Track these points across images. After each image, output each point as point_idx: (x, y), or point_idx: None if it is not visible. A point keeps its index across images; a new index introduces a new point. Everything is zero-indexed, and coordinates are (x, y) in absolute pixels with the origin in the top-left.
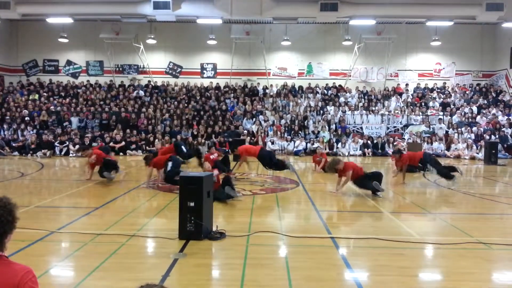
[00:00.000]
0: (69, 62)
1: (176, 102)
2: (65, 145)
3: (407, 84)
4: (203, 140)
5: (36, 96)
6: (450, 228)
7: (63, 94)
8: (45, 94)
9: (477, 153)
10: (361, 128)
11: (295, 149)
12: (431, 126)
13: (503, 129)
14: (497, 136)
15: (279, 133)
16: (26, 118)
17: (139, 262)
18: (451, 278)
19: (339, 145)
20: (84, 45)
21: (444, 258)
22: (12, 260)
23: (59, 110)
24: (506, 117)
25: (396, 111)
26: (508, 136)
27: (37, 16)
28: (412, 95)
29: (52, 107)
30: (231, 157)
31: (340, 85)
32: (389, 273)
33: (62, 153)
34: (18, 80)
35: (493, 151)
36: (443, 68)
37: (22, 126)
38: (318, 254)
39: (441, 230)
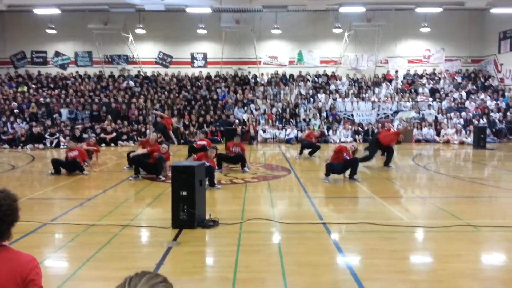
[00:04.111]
0: (57, 54)
1: (166, 92)
2: (55, 137)
3: (397, 71)
4: (194, 130)
5: (25, 88)
6: (440, 211)
7: (52, 85)
8: (34, 86)
9: (466, 138)
10: (352, 115)
11: (286, 137)
12: (420, 112)
13: (491, 114)
14: (485, 121)
15: (270, 121)
16: (16, 111)
17: (133, 252)
18: (441, 260)
19: (330, 132)
20: (72, 36)
21: (434, 241)
22: (14, 249)
23: (49, 102)
24: (494, 102)
25: (386, 98)
26: (497, 120)
27: (23, 7)
28: (402, 81)
29: (41, 99)
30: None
31: (332, 73)
32: (380, 257)
33: (53, 145)
34: (6, 72)
35: (482, 136)
36: (433, 55)
37: (12, 118)
38: (311, 239)
39: (431, 213)
